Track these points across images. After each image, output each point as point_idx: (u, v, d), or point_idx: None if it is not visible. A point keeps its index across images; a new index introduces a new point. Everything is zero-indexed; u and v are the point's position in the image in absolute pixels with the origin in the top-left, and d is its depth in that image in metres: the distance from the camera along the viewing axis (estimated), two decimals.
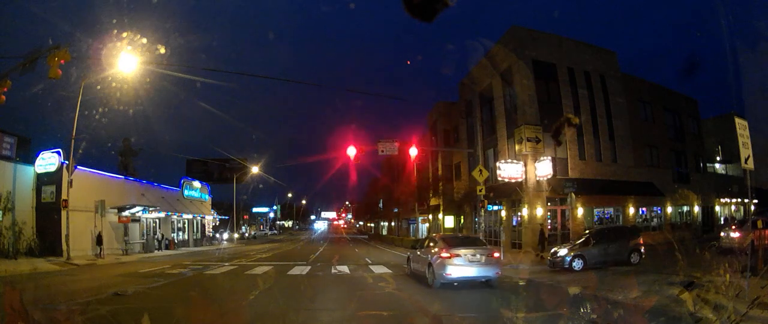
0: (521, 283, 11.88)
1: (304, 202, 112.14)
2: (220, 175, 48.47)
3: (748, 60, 23.03)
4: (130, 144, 37.51)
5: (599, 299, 8.34)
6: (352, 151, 19.36)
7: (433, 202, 36.21)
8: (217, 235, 45.15)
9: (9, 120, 46.94)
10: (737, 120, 8.08)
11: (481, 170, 18.38)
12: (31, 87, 21.73)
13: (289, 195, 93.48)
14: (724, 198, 30.39)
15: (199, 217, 37.71)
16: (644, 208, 24.53)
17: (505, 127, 24.21)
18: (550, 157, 20.78)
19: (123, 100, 21.35)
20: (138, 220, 27.40)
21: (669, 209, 25.53)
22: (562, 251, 13.90)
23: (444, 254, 10.48)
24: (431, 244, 11.79)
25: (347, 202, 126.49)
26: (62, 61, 12.93)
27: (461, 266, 10.32)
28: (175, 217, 32.80)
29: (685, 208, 27.05)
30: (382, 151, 19.68)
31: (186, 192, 36.58)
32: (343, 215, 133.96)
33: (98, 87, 19.31)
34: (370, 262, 18.76)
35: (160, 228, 30.57)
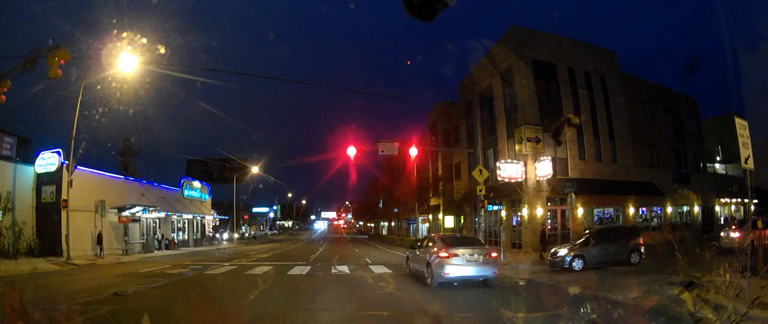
0: (521, 283, 11.89)
1: (304, 202, 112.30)
2: (220, 175, 48.47)
3: (748, 60, 23.04)
4: (130, 144, 37.52)
5: (599, 299, 8.34)
6: (352, 151, 19.36)
7: (433, 202, 36.21)
8: (217, 235, 45.15)
9: (9, 120, 46.96)
10: (737, 120, 8.08)
11: (481, 170, 18.38)
12: (31, 87, 21.75)
13: (289, 195, 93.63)
14: (724, 198, 30.39)
15: (199, 217, 37.71)
16: (644, 208, 24.53)
17: (505, 127, 24.21)
18: (550, 157, 20.79)
19: (123, 100, 21.37)
20: (138, 220, 27.40)
21: (669, 209, 25.53)
22: (562, 251, 13.90)
23: (442, 254, 10.57)
24: (430, 243, 11.86)
25: (347, 202, 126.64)
26: (62, 61, 12.93)
27: (459, 266, 10.41)
28: (175, 217, 32.80)
29: (685, 208, 27.05)
30: (382, 151, 19.68)
31: (186, 192, 36.58)
32: (343, 215, 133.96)
33: (98, 87, 19.32)
34: (370, 262, 18.76)
35: (160, 228, 30.56)
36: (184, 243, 34.40)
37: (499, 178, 22.08)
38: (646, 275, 11.22)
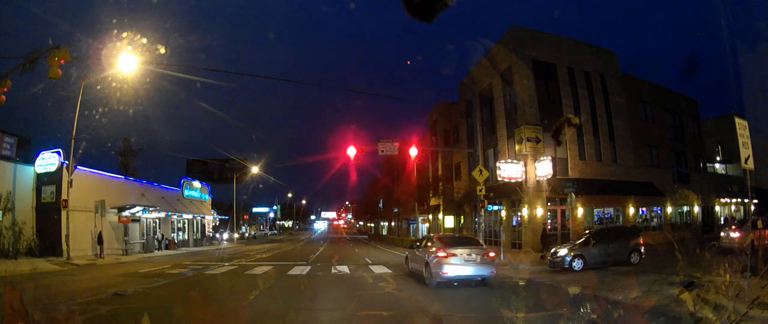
0: (521, 282, 11.89)
1: (304, 202, 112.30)
2: (220, 175, 48.47)
3: (748, 60, 23.05)
4: (130, 144, 37.52)
5: (599, 299, 8.33)
6: (352, 151, 19.37)
7: (433, 202, 36.21)
8: (217, 235, 45.14)
9: (9, 120, 46.99)
10: (737, 120, 8.08)
11: (481, 170, 18.38)
12: (31, 87, 21.74)
13: (289, 195, 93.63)
14: (724, 198, 30.39)
15: (199, 217, 37.71)
16: (644, 208, 24.53)
17: (505, 127, 24.21)
18: (550, 157, 20.79)
19: (123, 100, 21.36)
20: (138, 220, 27.41)
21: (669, 209, 25.53)
22: (562, 251, 13.90)
23: (440, 254, 10.68)
24: (429, 243, 11.97)
25: (347, 202, 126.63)
26: (62, 61, 12.93)
27: (457, 265, 10.52)
28: (175, 217, 32.80)
29: (685, 208, 27.05)
30: (382, 151, 19.68)
31: (186, 192, 36.58)
32: (343, 215, 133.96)
33: (98, 87, 19.32)
34: (370, 262, 18.76)
35: (160, 228, 30.57)
36: (184, 243, 34.40)
37: (499, 178, 22.07)
38: (646, 275, 11.22)
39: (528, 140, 20.94)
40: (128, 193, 28.03)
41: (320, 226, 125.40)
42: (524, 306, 8.07)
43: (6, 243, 19.06)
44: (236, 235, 49.94)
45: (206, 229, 40.58)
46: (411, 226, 45.99)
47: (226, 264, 17.91)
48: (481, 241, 13.38)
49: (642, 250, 14.23)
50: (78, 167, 20.70)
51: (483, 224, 21.84)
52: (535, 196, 21.31)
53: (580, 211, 21.61)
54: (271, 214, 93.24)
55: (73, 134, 18.84)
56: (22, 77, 13.94)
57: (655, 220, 25.16)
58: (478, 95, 28.10)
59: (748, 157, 7.96)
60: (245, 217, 70.35)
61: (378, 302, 8.82)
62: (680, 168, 27.14)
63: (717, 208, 29.80)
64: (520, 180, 21.48)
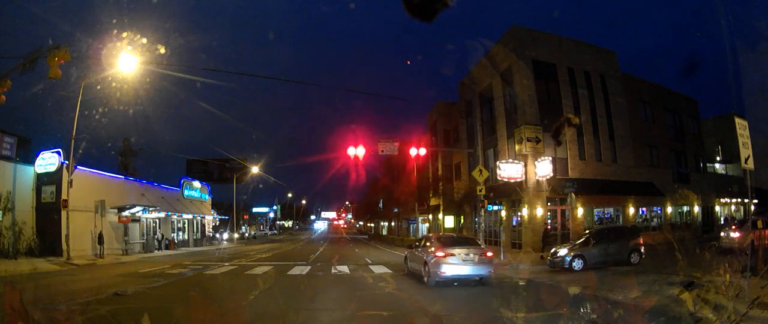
0: (521, 282, 11.90)
1: (304, 202, 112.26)
2: (220, 175, 48.46)
3: (748, 60, 23.04)
4: (130, 144, 37.52)
5: (599, 299, 8.34)
6: (352, 151, 19.40)
7: (433, 202, 36.22)
8: (217, 235, 45.14)
9: (9, 120, 46.92)
10: (737, 120, 8.08)
11: (481, 170, 18.38)
12: (31, 87, 21.70)
13: (289, 195, 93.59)
14: (724, 198, 30.38)
15: (199, 217, 37.71)
16: (644, 208, 24.53)
17: (505, 127, 24.21)
18: (550, 157, 20.79)
19: (123, 100, 21.32)
20: (138, 220, 27.41)
21: (669, 209, 25.53)
22: (562, 251, 13.90)
23: (439, 253, 10.80)
24: (427, 243, 12.06)
25: (347, 202, 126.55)
26: (62, 61, 12.94)
27: (455, 265, 10.64)
28: (175, 217, 32.80)
29: (685, 208, 27.05)
30: (382, 151, 19.71)
31: (186, 192, 36.58)
32: (343, 215, 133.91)
33: (98, 87, 19.30)
34: (369, 262, 18.76)
35: (160, 228, 30.57)
36: (184, 243, 34.40)
37: (499, 178, 22.08)
38: (646, 275, 11.22)
39: (528, 140, 20.94)
40: (128, 193, 28.03)
41: (320, 226, 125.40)
42: (524, 306, 8.07)
43: (6, 243, 19.06)
44: (236, 235, 49.94)
45: (206, 229, 40.58)
46: (411, 226, 46.00)
47: (226, 264, 17.91)
48: (479, 241, 13.48)
49: (642, 250, 14.23)
50: (78, 167, 20.70)
51: (483, 224, 21.84)
52: (535, 196, 21.31)
53: (580, 211, 21.61)
54: (271, 214, 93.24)
55: (73, 134, 18.86)
56: (22, 77, 13.97)
57: (655, 220, 25.16)
58: (478, 95, 28.10)
59: (748, 157, 7.96)
60: (245, 217, 70.35)
61: (378, 302, 8.82)
62: (680, 168, 27.14)
63: (717, 208, 29.80)
64: (520, 180, 21.48)
